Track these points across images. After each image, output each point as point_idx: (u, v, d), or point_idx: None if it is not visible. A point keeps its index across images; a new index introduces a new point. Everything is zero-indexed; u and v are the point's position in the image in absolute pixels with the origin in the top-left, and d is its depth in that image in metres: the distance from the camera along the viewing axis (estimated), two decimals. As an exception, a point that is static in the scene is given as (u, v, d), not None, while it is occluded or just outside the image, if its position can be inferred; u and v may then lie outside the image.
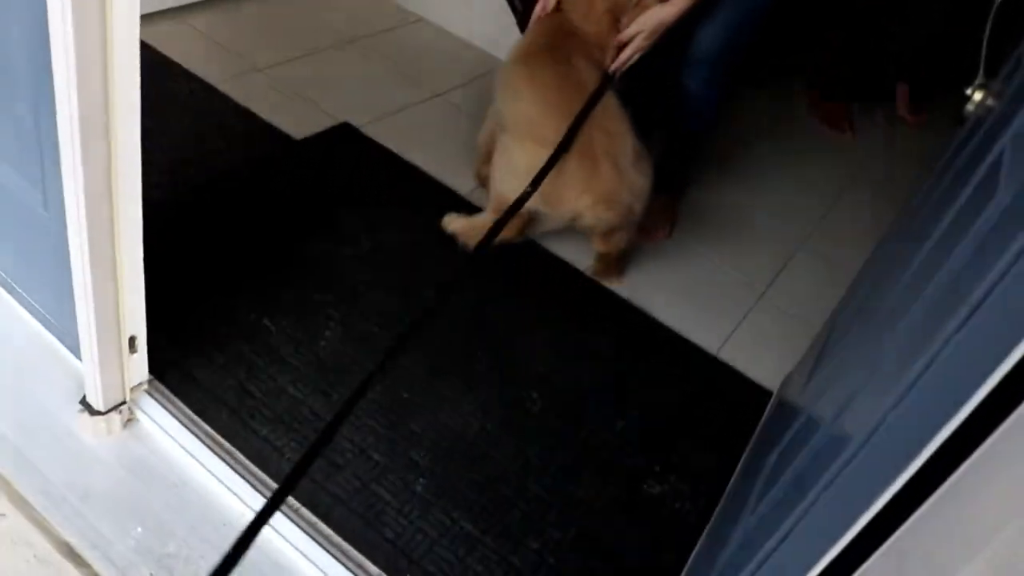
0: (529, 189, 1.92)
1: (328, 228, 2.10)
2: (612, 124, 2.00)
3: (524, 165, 1.98)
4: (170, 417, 1.53)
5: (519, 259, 2.19)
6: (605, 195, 2.00)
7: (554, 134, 1.94)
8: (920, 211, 1.45)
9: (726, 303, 2.34)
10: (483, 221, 2.10)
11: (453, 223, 2.18)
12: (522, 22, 2.51)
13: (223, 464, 1.49)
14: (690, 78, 2.16)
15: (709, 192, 2.75)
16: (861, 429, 0.86)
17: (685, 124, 2.31)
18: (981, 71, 1.51)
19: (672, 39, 2.09)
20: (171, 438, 1.51)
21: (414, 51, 2.97)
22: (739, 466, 1.85)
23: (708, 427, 1.95)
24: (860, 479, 0.82)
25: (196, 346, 1.71)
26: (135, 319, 1.43)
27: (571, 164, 1.95)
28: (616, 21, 2.12)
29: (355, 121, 2.50)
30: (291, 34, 2.85)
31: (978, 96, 1.50)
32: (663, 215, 2.47)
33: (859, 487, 0.80)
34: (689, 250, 2.48)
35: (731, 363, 2.14)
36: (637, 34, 2.04)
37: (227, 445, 1.53)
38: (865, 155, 3.28)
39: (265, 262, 1.96)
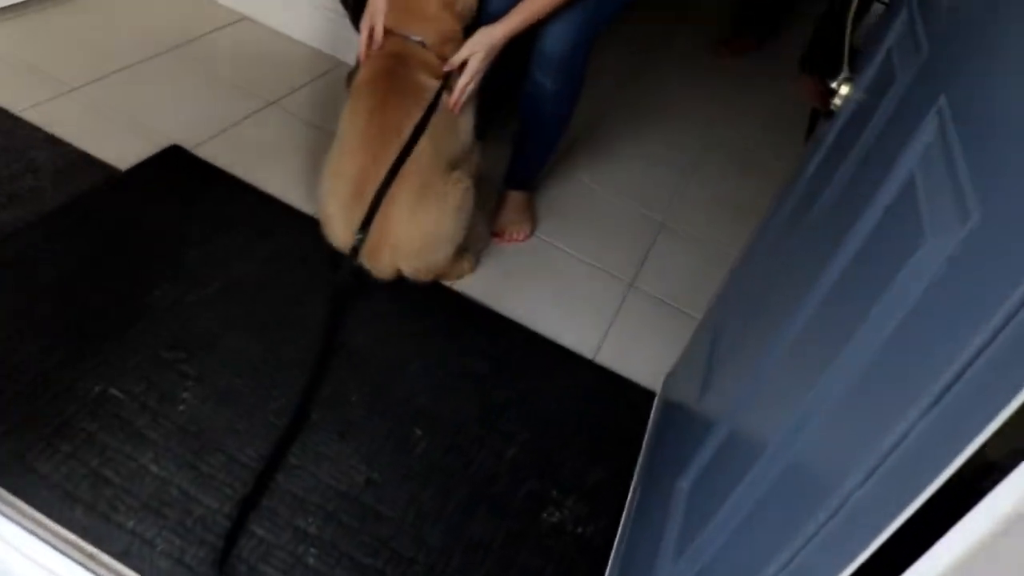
0: (360, 235, 1.90)
1: (170, 271, 1.91)
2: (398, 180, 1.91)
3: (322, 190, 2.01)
4: (13, 526, 1.34)
5: (375, 284, 2.06)
6: (369, 253, 1.96)
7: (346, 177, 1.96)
8: (811, 208, 1.41)
9: (597, 301, 2.29)
10: None
11: None
12: (355, 17, 2.36)
13: (85, 571, 1.32)
14: (542, 75, 2.07)
15: (565, 183, 2.69)
16: (850, 469, 0.78)
17: (540, 120, 2.22)
18: (845, 65, 1.49)
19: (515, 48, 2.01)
20: (16, 551, 1.32)
21: (242, 55, 2.76)
22: (636, 478, 1.81)
23: (598, 439, 1.90)
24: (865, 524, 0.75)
25: (36, 434, 1.50)
26: (-41, 422, 1.23)
27: (353, 214, 1.92)
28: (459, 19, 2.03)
29: (186, 142, 2.29)
30: (102, 46, 2.58)
31: (844, 90, 1.48)
32: (522, 215, 2.39)
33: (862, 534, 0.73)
34: (552, 248, 2.41)
35: (610, 366, 2.10)
36: (471, 56, 1.95)
37: (88, 547, 1.35)
38: (711, 126, 3.30)
39: (102, 321, 1.75)
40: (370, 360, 1.87)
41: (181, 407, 1.63)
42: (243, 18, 2.92)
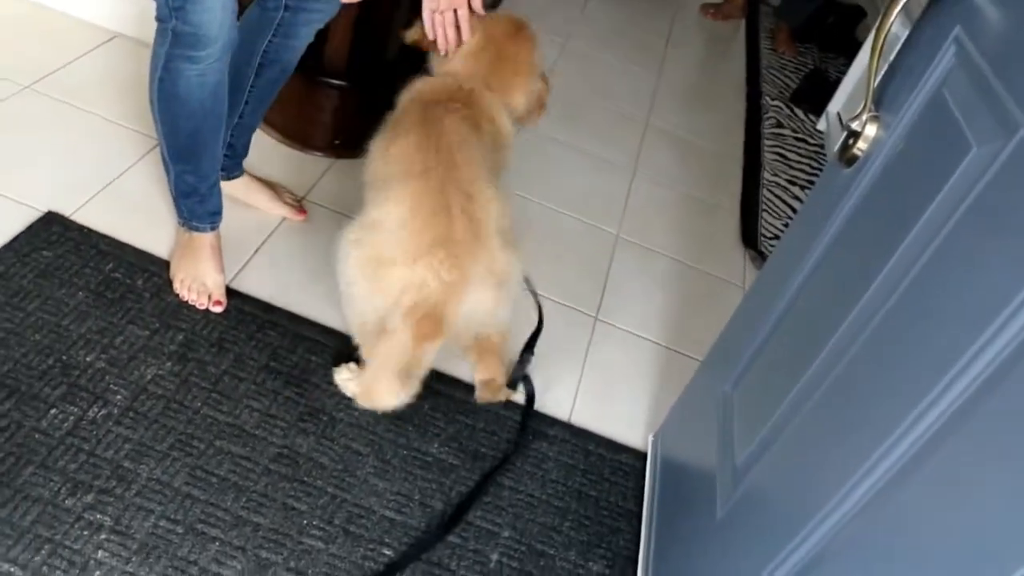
0: None
1: (68, 382, 1.56)
2: (475, 188, 1.52)
3: None
4: None
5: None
6: (458, 255, 1.45)
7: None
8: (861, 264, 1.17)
9: (564, 345, 2.03)
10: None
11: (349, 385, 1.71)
12: None
13: None
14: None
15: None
16: None
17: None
18: (869, 101, 1.25)
19: None
20: None
21: (123, 78, 2.33)
22: (642, 564, 1.59)
23: (588, 520, 1.67)
24: None
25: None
26: None
27: (419, 223, 1.47)
28: None
29: (62, 207, 1.91)
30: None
31: (871, 131, 1.25)
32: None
33: None
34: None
35: (588, 424, 1.85)
36: None
37: None
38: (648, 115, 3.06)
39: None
40: (314, 468, 1.57)
41: (97, 573, 1.32)
42: (116, 35, 2.49)
